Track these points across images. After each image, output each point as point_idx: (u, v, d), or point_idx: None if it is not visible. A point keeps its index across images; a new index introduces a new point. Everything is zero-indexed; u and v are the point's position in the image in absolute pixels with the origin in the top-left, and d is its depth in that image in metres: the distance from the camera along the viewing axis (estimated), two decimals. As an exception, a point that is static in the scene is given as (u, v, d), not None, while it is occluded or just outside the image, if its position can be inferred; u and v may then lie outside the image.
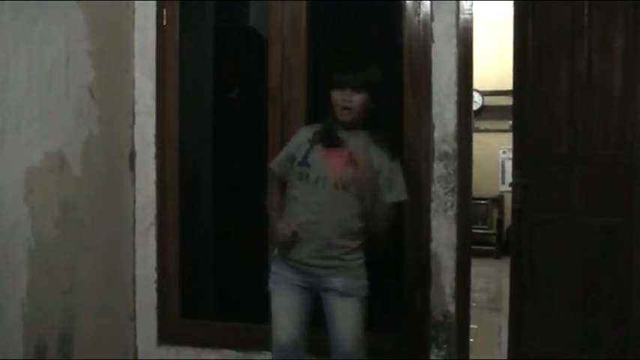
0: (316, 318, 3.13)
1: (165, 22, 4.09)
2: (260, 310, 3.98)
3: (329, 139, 3.05)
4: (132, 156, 4.09)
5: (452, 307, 3.76)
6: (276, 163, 3.22)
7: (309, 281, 3.06)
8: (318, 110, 3.88)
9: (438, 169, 3.74)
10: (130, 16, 4.05)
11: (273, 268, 3.15)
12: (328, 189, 2.98)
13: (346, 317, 3.04)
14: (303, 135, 3.16)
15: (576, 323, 3.56)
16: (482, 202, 9.97)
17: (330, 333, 3.07)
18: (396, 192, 3.11)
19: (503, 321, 4.45)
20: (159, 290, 4.14)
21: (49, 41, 3.29)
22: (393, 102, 3.77)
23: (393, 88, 3.78)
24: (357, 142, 3.06)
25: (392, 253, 3.70)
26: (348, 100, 2.99)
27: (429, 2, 3.74)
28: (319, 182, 2.98)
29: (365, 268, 3.10)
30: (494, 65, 8.25)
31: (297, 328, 3.07)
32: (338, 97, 3.01)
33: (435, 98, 3.74)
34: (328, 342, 3.10)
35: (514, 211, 3.92)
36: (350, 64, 3.10)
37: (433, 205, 3.75)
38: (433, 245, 3.76)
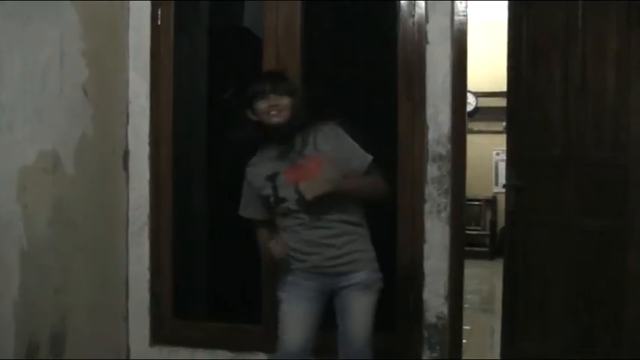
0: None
1: (159, 22, 4.09)
2: (253, 311, 3.99)
3: (290, 162, 3.01)
4: (125, 155, 4.08)
5: (445, 309, 3.77)
6: (245, 210, 3.23)
7: (329, 282, 3.03)
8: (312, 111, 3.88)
9: (432, 170, 3.74)
10: (124, 15, 4.04)
11: (290, 277, 3.09)
12: (312, 207, 2.96)
13: (363, 313, 3.04)
14: (255, 175, 3.11)
15: (569, 324, 3.57)
16: (476, 203, 9.97)
17: (343, 330, 3.05)
18: (359, 158, 3.06)
19: (496, 322, 4.45)
20: (152, 290, 4.13)
21: (43, 40, 3.28)
22: (388, 103, 3.78)
23: (387, 89, 3.79)
24: (304, 145, 3.03)
25: (385, 254, 3.70)
26: (274, 103, 2.97)
27: (423, 3, 3.75)
28: (301, 205, 2.95)
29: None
30: (487, 67, 8.25)
31: (308, 336, 3.05)
32: (263, 104, 2.97)
33: (429, 100, 3.74)
34: (327, 342, 3.10)
35: (507, 212, 3.93)
36: (265, 74, 3.18)
37: (426, 207, 3.76)
38: (426, 246, 3.76)
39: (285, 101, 2.99)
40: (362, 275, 3.03)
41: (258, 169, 3.09)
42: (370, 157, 3.05)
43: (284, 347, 3.07)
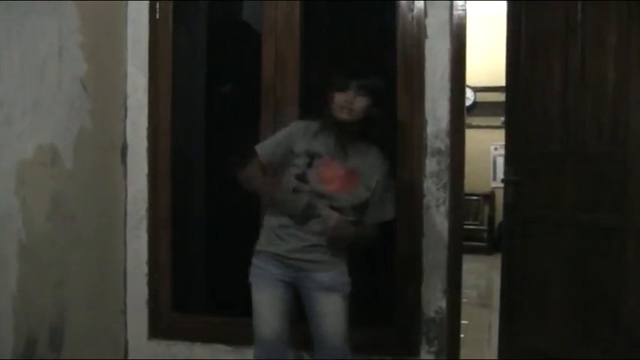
0: (302, 314, 3.13)
1: (158, 16, 4.08)
2: (251, 305, 3.99)
3: (336, 151, 3.05)
4: (124, 149, 4.08)
5: (443, 303, 3.77)
6: (264, 150, 3.18)
7: (294, 276, 3.05)
8: (311, 105, 3.89)
9: (431, 164, 3.75)
10: (123, 9, 4.04)
11: (256, 261, 3.13)
12: (320, 204, 2.98)
13: (332, 313, 3.04)
14: (299, 132, 3.13)
15: (568, 320, 3.56)
16: (474, 198, 9.99)
17: (314, 331, 3.07)
18: (387, 210, 3.14)
19: (494, 317, 4.46)
20: (150, 284, 4.13)
21: (42, 34, 3.28)
22: (387, 97, 3.77)
23: (386, 83, 3.78)
24: (356, 155, 3.07)
25: (383, 249, 3.70)
26: (351, 101, 2.98)
27: (422, -3, 3.75)
28: (313, 195, 2.98)
29: (347, 264, 3.13)
30: (486, 61, 8.26)
31: (281, 323, 3.05)
32: (341, 98, 2.98)
33: (427, 94, 3.74)
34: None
35: (506, 207, 3.92)
36: (355, 69, 3.12)
37: (425, 201, 3.76)
38: (425, 241, 3.77)
39: (361, 103, 3.00)
40: (323, 276, 3.05)
41: (308, 136, 3.09)
42: (392, 216, 3.15)
43: (257, 335, 3.07)
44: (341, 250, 3.08)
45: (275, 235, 3.07)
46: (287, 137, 3.15)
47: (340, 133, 3.05)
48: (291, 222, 3.02)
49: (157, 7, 4.08)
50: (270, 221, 3.14)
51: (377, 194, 3.09)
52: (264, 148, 3.18)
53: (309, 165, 3.01)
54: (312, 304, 3.06)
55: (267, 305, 3.06)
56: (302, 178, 3.00)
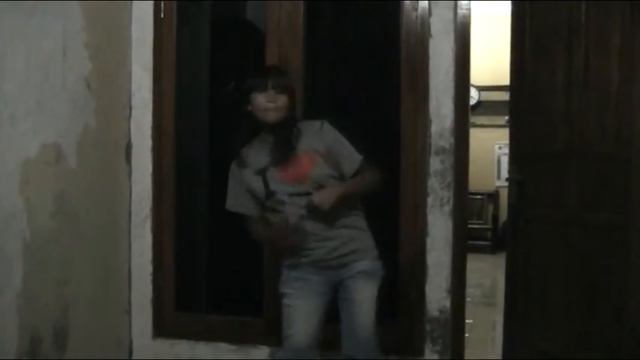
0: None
1: (162, 15, 4.08)
2: (255, 304, 3.99)
3: (283, 159, 3.02)
4: (128, 148, 4.08)
5: (447, 302, 3.77)
6: (234, 205, 3.18)
7: (334, 274, 3.04)
8: (314, 105, 3.89)
9: (435, 163, 3.75)
10: (127, 8, 4.04)
11: (294, 273, 3.08)
12: (305, 201, 2.96)
13: (367, 301, 3.04)
14: (243, 169, 3.11)
15: (571, 320, 3.56)
16: (478, 197, 9.98)
17: (348, 320, 3.05)
18: (354, 156, 3.08)
19: (498, 316, 4.46)
20: (154, 283, 4.13)
21: (46, 33, 3.28)
22: (391, 96, 3.78)
23: (390, 82, 3.79)
24: (297, 141, 3.04)
25: (387, 248, 3.70)
26: (272, 99, 2.97)
27: (426, -3, 3.75)
28: (293, 199, 2.97)
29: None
30: (490, 60, 8.26)
31: (315, 333, 3.04)
32: (261, 99, 2.98)
33: (432, 93, 3.74)
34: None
35: (510, 206, 3.92)
36: (268, 69, 3.17)
37: (429, 200, 3.76)
38: (429, 240, 3.77)
39: (283, 99, 3.00)
40: (364, 264, 3.05)
41: (248, 163, 3.08)
42: (360, 157, 3.07)
43: (291, 343, 3.04)
44: (368, 237, 3.11)
45: (303, 249, 3.03)
46: (236, 181, 3.14)
47: (272, 134, 3.04)
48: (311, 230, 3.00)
49: (162, 6, 4.08)
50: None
51: (336, 149, 3.06)
52: (234, 203, 3.19)
53: (265, 180, 3.01)
54: (350, 292, 3.04)
55: (305, 315, 3.03)
56: (268, 195, 3.01)
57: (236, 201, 3.16)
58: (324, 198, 2.90)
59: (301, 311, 3.04)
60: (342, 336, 3.06)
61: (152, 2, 4.07)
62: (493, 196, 10.33)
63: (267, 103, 2.97)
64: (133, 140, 4.10)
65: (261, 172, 3.02)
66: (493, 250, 9.76)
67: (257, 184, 3.03)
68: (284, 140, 3.02)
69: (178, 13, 4.12)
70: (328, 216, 2.95)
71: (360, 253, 3.06)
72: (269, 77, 3.01)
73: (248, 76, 3.08)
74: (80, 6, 3.52)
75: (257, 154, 3.07)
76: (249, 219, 3.18)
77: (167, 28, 4.10)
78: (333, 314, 3.08)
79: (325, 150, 3.03)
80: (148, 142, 4.10)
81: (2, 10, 2.99)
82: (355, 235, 3.07)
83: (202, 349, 4.07)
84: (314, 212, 2.92)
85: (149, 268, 4.14)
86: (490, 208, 10.37)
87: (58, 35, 3.36)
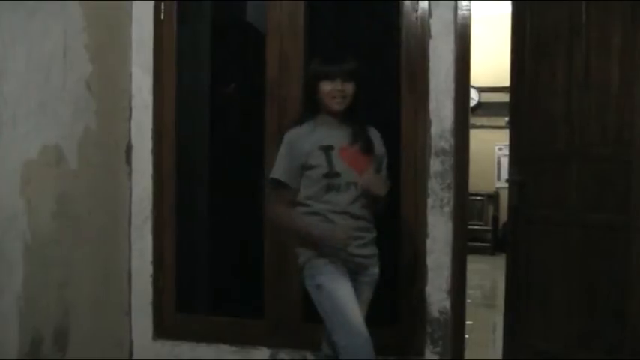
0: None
1: (163, 17, 4.09)
2: (255, 306, 4.00)
3: (364, 146, 3.01)
4: (128, 150, 4.08)
5: (447, 304, 3.78)
6: (283, 174, 3.00)
7: (352, 273, 3.01)
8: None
9: (435, 165, 3.75)
10: (127, 10, 4.05)
11: (328, 266, 2.96)
12: (358, 191, 2.96)
13: (367, 304, 3.09)
14: (303, 141, 2.99)
15: (572, 321, 3.56)
16: (478, 198, 9.99)
17: None
18: (385, 179, 3.10)
19: (498, 317, 4.46)
20: (155, 284, 4.13)
21: (47, 34, 3.29)
22: (391, 98, 3.78)
23: (390, 83, 3.79)
24: (362, 139, 3.04)
25: (388, 249, 3.70)
26: (341, 89, 2.95)
27: (427, -3, 3.76)
28: (350, 188, 2.95)
29: None
30: (490, 62, 8.26)
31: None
32: (328, 87, 2.94)
33: (432, 94, 3.75)
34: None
35: (510, 207, 3.92)
36: (337, 56, 3.05)
37: (429, 201, 3.76)
38: (429, 241, 3.77)
39: (350, 88, 2.97)
40: (376, 271, 3.08)
41: (309, 136, 2.99)
42: (389, 182, 3.08)
43: (357, 336, 2.87)
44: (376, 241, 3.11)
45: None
46: (292, 150, 3.01)
47: (337, 122, 3.02)
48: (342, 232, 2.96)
49: (162, 7, 4.09)
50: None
51: (382, 164, 3.13)
52: (279, 171, 3.01)
53: (329, 158, 2.95)
54: (358, 294, 3.00)
55: (352, 299, 2.94)
56: (330, 174, 2.94)
57: (285, 173, 3.00)
58: (378, 184, 2.94)
59: (348, 295, 2.94)
60: None
61: (152, 3, 4.08)
62: (493, 198, 10.34)
63: (335, 92, 2.94)
64: (134, 141, 4.11)
65: (326, 150, 2.96)
66: (493, 251, 9.77)
67: (319, 160, 2.95)
68: (361, 128, 3.03)
69: (178, 14, 4.13)
70: (371, 208, 3.00)
71: (374, 259, 3.08)
72: (337, 65, 2.97)
73: (315, 62, 3.05)
74: (81, 7, 3.52)
75: (318, 134, 3.00)
76: (277, 201, 3.07)
77: (167, 29, 4.10)
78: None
79: (378, 155, 3.08)
80: (149, 144, 4.10)
81: (3, 11, 2.99)
82: (372, 240, 3.07)
83: (203, 350, 4.07)
84: (367, 197, 2.95)
85: (150, 269, 4.14)
86: (490, 209, 10.38)
87: (58, 36, 3.37)
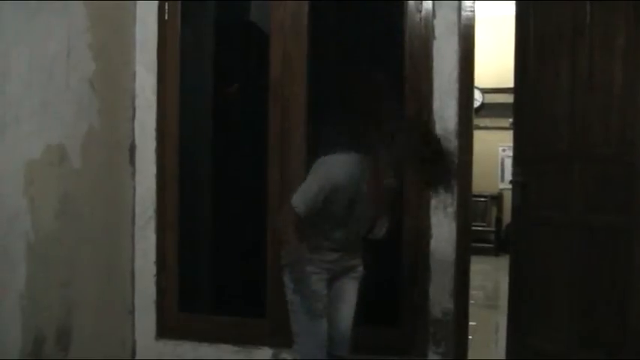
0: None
1: (167, 17, 4.09)
2: (258, 305, 3.99)
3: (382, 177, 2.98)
4: (132, 149, 4.08)
5: (451, 304, 3.77)
6: (306, 205, 2.88)
7: (334, 272, 3.08)
8: (318, 105, 3.89)
9: (439, 165, 3.73)
10: (131, 9, 4.05)
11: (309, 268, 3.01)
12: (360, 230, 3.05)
13: (353, 302, 3.14)
14: (342, 181, 2.87)
15: (574, 321, 3.55)
16: (481, 199, 9.98)
17: (333, 317, 3.09)
18: None
19: (501, 318, 4.45)
20: (158, 284, 4.13)
21: (50, 33, 3.29)
22: (394, 98, 3.78)
23: (394, 84, 3.79)
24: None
25: (391, 250, 3.70)
26: None
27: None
28: (355, 223, 3.01)
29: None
30: (493, 63, 8.24)
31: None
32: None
33: (435, 95, 3.74)
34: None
35: (514, 208, 3.92)
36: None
37: (433, 202, 3.76)
38: (433, 242, 3.76)
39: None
40: (360, 269, 3.14)
41: (347, 177, 2.89)
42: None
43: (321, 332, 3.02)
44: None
45: (326, 250, 3.04)
46: (326, 187, 2.88)
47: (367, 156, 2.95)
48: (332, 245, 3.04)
49: (166, 7, 4.09)
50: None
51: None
52: (302, 204, 2.88)
53: (351, 213, 2.95)
54: (342, 292, 3.11)
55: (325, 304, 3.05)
56: (345, 215, 2.94)
57: (308, 206, 2.88)
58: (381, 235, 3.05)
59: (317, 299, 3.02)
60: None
61: (156, 3, 4.08)
62: (496, 199, 10.33)
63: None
64: (137, 141, 4.11)
65: (352, 200, 2.91)
66: (496, 252, 9.76)
67: (343, 204, 2.91)
68: (381, 159, 2.96)
69: (182, 14, 4.13)
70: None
71: (358, 259, 3.13)
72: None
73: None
74: (84, 6, 3.52)
75: (354, 173, 2.90)
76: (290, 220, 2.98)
77: (171, 29, 4.11)
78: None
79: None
80: (152, 143, 4.10)
81: (6, 10, 2.99)
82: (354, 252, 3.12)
83: (205, 349, 4.07)
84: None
85: (153, 269, 4.14)
86: (493, 210, 10.37)
87: (62, 36, 3.36)
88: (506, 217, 9.50)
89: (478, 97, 9.45)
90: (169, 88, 4.11)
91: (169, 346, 4.13)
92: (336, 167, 2.89)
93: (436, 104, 3.74)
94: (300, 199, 2.88)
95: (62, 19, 3.36)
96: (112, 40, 3.86)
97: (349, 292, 3.12)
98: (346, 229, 2.99)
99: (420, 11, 3.76)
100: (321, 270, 3.02)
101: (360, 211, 2.95)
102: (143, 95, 4.10)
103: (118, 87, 3.96)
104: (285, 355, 3.93)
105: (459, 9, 3.76)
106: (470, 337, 4.03)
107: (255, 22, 4.47)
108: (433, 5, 3.75)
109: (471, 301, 4.10)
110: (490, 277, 8.16)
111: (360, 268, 3.13)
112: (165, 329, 4.16)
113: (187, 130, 4.22)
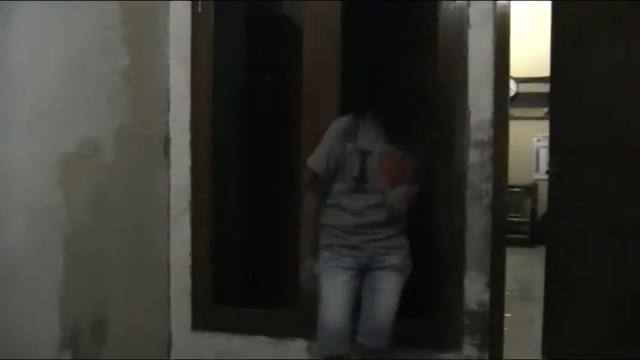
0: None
1: (200, 10, 4.09)
2: (291, 297, 4.00)
3: (385, 143, 3.08)
4: (167, 142, 4.09)
5: (486, 296, 3.74)
6: (321, 164, 3.15)
7: (365, 261, 3.11)
8: (349, 100, 3.88)
9: (473, 156, 3.71)
10: (164, 3, 4.05)
11: (328, 253, 3.15)
12: (381, 197, 3.05)
13: (391, 293, 3.15)
14: (344, 130, 3.12)
15: (611, 315, 3.52)
16: (516, 190, 9.89)
17: (368, 308, 3.13)
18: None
19: (535, 311, 4.42)
20: (193, 276, 4.15)
21: (84, 27, 3.30)
22: (429, 88, 3.76)
23: (429, 74, 3.76)
24: (402, 144, 3.12)
25: (426, 242, 3.68)
26: None
27: (465, -13, 3.72)
28: (375, 193, 3.04)
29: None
30: (528, 52, 8.16)
31: (349, 312, 3.10)
32: None
33: (470, 85, 3.70)
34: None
35: (550, 199, 3.88)
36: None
37: (468, 193, 3.73)
38: (467, 233, 3.74)
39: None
40: (395, 258, 3.13)
41: (353, 133, 3.09)
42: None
43: (328, 323, 3.08)
44: (403, 234, 3.18)
45: (341, 232, 3.10)
46: (334, 141, 3.13)
47: (383, 125, 3.08)
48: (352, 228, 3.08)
49: (199, 0, 4.08)
50: (331, 220, 3.16)
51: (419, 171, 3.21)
52: (316, 161, 3.16)
53: (363, 164, 3.03)
54: (377, 282, 3.11)
55: (338, 294, 3.09)
56: (360, 178, 3.04)
57: (321, 163, 3.14)
58: (403, 204, 3.04)
59: (334, 291, 3.09)
60: (360, 324, 3.12)
61: (190, -4, 4.09)
62: (531, 189, 10.24)
63: None
64: (171, 134, 4.12)
65: (363, 154, 3.04)
66: (531, 243, 9.67)
67: (354, 163, 3.06)
68: (404, 134, 3.13)
69: (215, 7, 4.13)
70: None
71: (393, 249, 3.13)
72: None
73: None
74: (117, 1, 3.53)
75: (362, 134, 3.10)
76: (310, 189, 3.24)
77: (204, 22, 4.10)
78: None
79: (417, 162, 3.20)
80: (186, 136, 4.11)
81: (40, 4, 3.00)
82: (394, 232, 3.12)
83: (239, 341, 4.08)
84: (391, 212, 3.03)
85: (188, 261, 4.15)
86: (528, 201, 10.27)
87: (95, 30, 3.38)
88: (541, 208, 9.41)
89: (512, 87, 9.37)
90: (203, 81, 4.11)
91: (204, 338, 4.15)
92: (343, 118, 3.20)
93: (471, 94, 3.70)
94: (314, 157, 3.16)
95: (96, 12, 3.37)
96: (145, 33, 3.87)
97: (383, 284, 3.11)
98: (364, 197, 3.03)
99: (455, 0, 3.73)
100: (344, 260, 3.07)
101: (376, 184, 3.03)
102: (176, 88, 4.11)
103: (152, 80, 3.97)
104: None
105: (494, -3, 3.72)
106: (505, 329, 4.00)
107: (289, 15, 4.47)
108: (468, -6, 3.71)
109: (506, 293, 4.07)
110: (524, 268, 8.09)
111: (397, 257, 3.12)
112: (201, 321, 4.18)
113: (220, 122, 4.23)
